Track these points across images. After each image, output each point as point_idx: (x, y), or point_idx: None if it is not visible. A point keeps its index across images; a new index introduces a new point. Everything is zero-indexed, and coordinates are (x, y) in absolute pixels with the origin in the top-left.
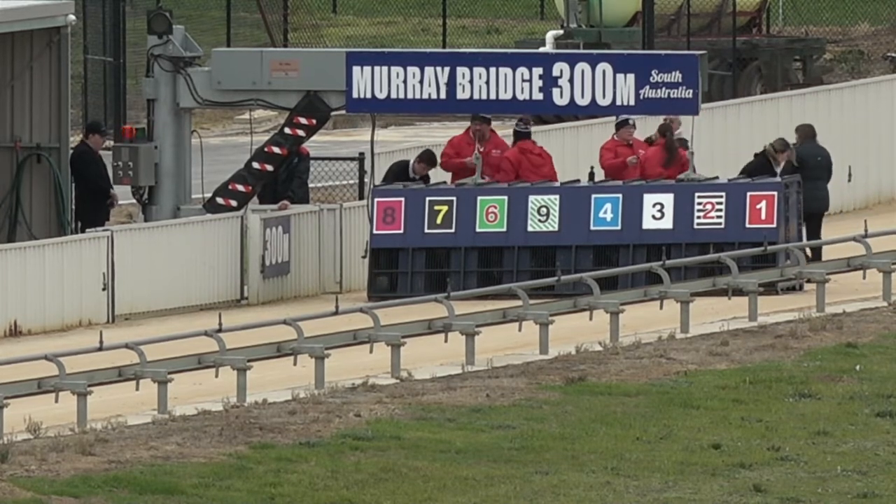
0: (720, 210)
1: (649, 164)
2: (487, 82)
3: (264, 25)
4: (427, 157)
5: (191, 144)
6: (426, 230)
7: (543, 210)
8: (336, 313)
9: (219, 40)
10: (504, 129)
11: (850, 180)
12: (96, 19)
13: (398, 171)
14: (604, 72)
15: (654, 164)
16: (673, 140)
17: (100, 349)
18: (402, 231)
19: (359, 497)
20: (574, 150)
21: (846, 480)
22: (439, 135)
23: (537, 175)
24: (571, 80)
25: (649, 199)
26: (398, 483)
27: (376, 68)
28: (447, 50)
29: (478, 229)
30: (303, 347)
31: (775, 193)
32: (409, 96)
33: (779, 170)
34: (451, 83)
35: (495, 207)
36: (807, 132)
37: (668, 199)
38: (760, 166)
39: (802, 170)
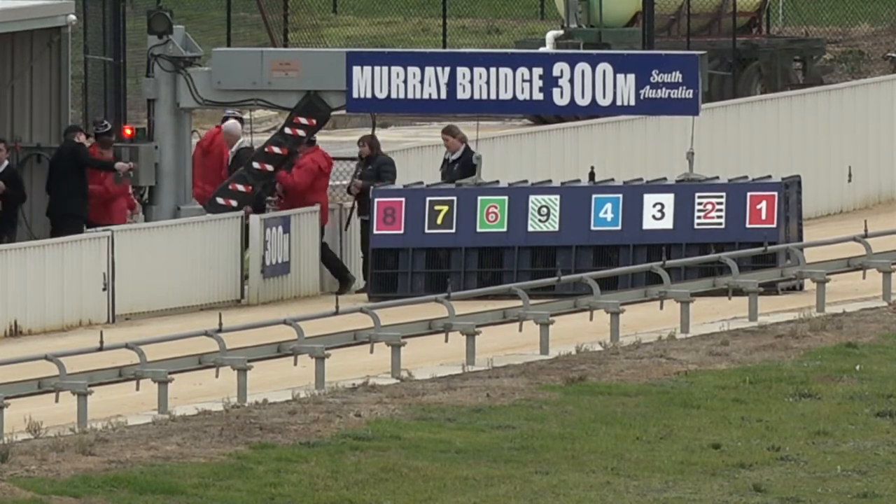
0: (720, 210)
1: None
2: (488, 82)
3: (264, 25)
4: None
5: (191, 144)
6: (426, 230)
7: (544, 210)
8: (336, 313)
9: (219, 40)
10: (504, 130)
11: (850, 180)
12: (96, 19)
13: None
14: (604, 72)
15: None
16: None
17: (100, 349)
18: (402, 231)
19: (359, 497)
20: (574, 150)
21: (846, 480)
22: (440, 135)
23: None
24: (571, 81)
25: (650, 199)
26: (398, 483)
27: (376, 68)
28: (447, 50)
29: (478, 229)
30: (303, 347)
31: (776, 194)
32: (410, 96)
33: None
34: (452, 83)
35: (496, 207)
36: (373, 144)
37: (668, 199)
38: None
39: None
